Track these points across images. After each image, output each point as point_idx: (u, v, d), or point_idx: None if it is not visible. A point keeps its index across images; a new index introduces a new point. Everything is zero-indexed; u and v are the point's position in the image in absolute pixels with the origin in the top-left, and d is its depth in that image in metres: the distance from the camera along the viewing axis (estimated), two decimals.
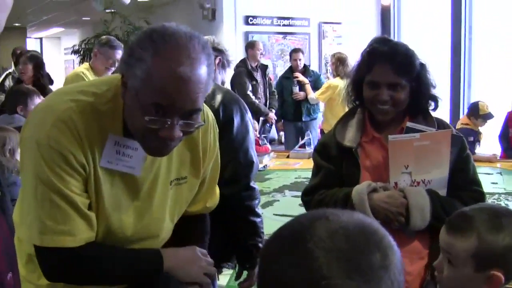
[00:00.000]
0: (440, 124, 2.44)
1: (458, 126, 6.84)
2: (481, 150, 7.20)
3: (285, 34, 11.50)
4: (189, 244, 2.03)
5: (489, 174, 5.99)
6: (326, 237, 0.92)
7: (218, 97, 2.54)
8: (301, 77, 8.48)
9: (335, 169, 2.45)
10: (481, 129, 6.95)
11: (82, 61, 10.63)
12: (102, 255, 1.78)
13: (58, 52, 21.15)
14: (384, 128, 2.43)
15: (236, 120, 2.55)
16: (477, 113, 6.87)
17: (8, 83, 8.33)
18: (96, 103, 1.69)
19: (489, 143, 7.41)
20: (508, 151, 6.91)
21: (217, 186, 2.16)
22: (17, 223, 1.78)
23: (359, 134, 2.43)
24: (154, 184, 1.84)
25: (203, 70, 1.58)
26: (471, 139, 6.50)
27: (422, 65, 2.41)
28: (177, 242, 2.02)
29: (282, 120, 8.95)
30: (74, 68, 16.28)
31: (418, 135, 2.32)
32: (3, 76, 8.89)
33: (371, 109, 2.41)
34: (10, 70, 8.95)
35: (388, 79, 2.32)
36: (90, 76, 5.56)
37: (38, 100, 4.73)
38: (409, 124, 2.36)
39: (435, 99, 2.46)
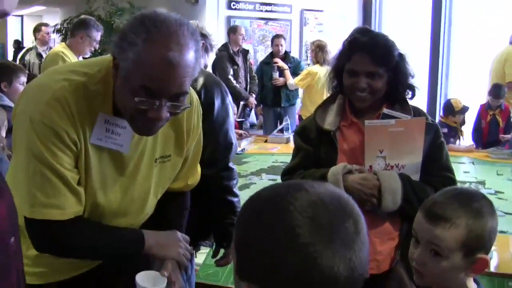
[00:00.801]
0: (416, 112, 2.53)
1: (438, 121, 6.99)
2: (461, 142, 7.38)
3: (267, 19, 11.53)
4: (168, 218, 2.14)
5: (462, 163, 6.14)
6: (308, 206, 1.00)
7: (200, 80, 2.61)
8: (281, 63, 8.55)
9: (314, 151, 2.53)
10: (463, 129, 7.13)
11: (64, 40, 10.58)
12: (87, 231, 1.87)
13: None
14: (363, 114, 2.51)
15: (217, 103, 2.63)
16: (452, 110, 7.02)
17: (28, 58, 8.36)
18: (87, 82, 1.76)
19: (466, 135, 7.55)
20: (479, 142, 7.08)
21: (198, 165, 2.25)
22: None
23: (339, 118, 2.52)
24: (139, 162, 1.93)
25: (191, 56, 1.66)
26: (445, 130, 6.63)
27: (401, 56, 2.49)
28: (157, 217, 2.13)
29: (261, 105, 9.04)
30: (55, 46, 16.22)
31: (393, 121, 2.40)
32: (23, 52, 8.89)
33: (349, 96, 2.50)
34: (31, 45, 8.97)
35: (366, 68, 2.40)
36: (70, 56, 5.67)
37: (23, 78, 4.74)
38: (385, 110, 2.45)
39: (412, 88, 2.54)
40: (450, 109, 7.06)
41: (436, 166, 2.51)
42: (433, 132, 2.49)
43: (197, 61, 1.71)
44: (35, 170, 1.72)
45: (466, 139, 7.31)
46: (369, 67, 2.41)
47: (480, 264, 1.67)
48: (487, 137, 7.13)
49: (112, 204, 1.92)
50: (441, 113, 7.44)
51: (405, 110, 2.50)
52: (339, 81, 2.54)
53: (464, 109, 7.03)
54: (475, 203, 1.69)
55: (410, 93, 2.55)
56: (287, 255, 0.98)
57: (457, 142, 7.11)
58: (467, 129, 7.36)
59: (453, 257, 1.66)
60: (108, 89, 1.77)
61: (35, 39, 8.75)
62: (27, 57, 8.50)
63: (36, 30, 8.80)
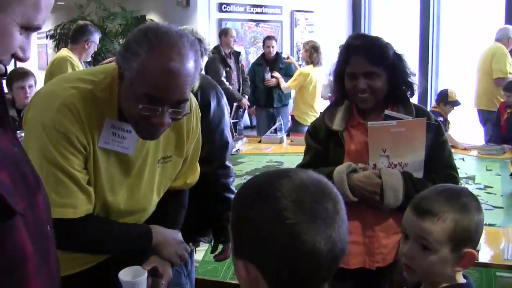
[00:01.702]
0: (419, 111, 2.61)
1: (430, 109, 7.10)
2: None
3: (258, 21, 11.62)
4: (167, 216, 2.27)
5: None
6: (292, 192, 1.15)
7: (197, 83, 2.71)
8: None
9: (323, 150, 2.65)
10: (450, 120, 7.21)
11: (57, 46, 10.63)
12: (98, 227, 1.99)
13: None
14: (368, 115, 2.61)
15: (213, 104, 2.73)
16: (446, 100, 7.09)
17: None
18: (94, 90, 1.88)
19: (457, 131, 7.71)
20: (498, 138, 7.16)
21: (197, 164, 2.36)
22: None
23: (346, 119, 2.63)
24: (144, 163, 2.06)
25: (191, 65, 1.78)
26: (441, 119, 6.67)
27: (398, 55, 2.58)
28: (156, 214, 2.24)
29: (254, 106, 9.11)
30: (47, 52, 16.22)
31: (395, 122, 2.50)
32: None
33: (353, 98, 2.61)
34: None
35: (364, 68, 2.51)
36: (76, 60, 5.90)
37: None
38: (387, 112, 2.55)
39: (410, 86, 2.62)
40: (444, 97, 7.12)
41: (437, 164, 2.57)
42: (434, 131, 2.56)
43: (197, 70, 1.83)
44: (48, 173, 1.82)
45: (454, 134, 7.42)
46: (366, 67, 2.51)
47: (468, 258, 1.72)
48: (504, 134, 7.22)
49: (119, 203, 2.05)
50: (435, 102, 7.54)
51: (408, 110, 2.58)
52: (342, 86, 2.63)
53: (457, 102, 7.10)
54: (462, 199, 1.74)
55: (409, 91, 2.63)
56: (276, 233, 1.13)
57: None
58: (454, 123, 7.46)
59: (441, 250, 1.71)
60: (114, 95, 1.89)
61: None
62: None
63: None
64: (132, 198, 2.08)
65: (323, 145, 2.65)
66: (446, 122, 7.04)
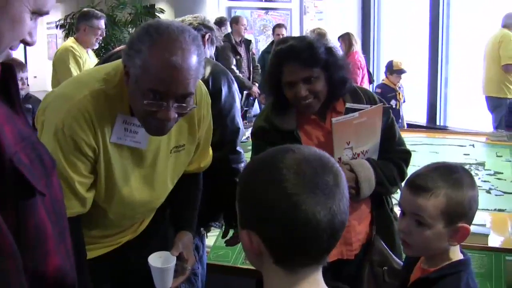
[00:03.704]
0: (365, 95, 2.61)
1: (380, 83, 8.02)
2: (407, 117, 8.23)
3: (267, 9, 11.60)
4: (184, 198, 2.34)
5: (462, 146, 6.25)
6: (294, 164, 1.21)
7: (208, 69, 2.74)
8: None
9: None
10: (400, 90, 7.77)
11: (67, 36, 10.66)
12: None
13: (41, 27, 20.98)
14: (319, 111, 2.54)
15: (224, 90, 2.75)
16: (392, 69, 7.70)
17: None
18: (106, 88, 1.94)
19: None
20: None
21: (210, 148, 2.40)
22: None
23: (294, 116, 2.55)
24: (157, 154, 2.11)
25: (193, 59, 1.82)
26: (392, 94, 7.57)
27: (328, 49, 2.49)
28: (174, 197, 2.31)
29: (264, 94, 9.11)
30: (57, 42, 16.24)
31: (357, 114, 2.48)
32: None
33: (297, 106, 2.50)
34: None
35: (300, 75, 2.41)
36: (79, 49, 5.81)
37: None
38: (348, 105, 2.52)
39: (348, 79, 2.55)
40: (390, 67, 7.75)
41: (392, 143, 2.64)
42: (387, 114, 2.61)
43: (200, 64, 1.87)
44: None
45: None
46: (302, 73, 2.41)
47: (461, 233, 1.76)
48: None
49: (135, 195, 2.10)
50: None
51: (358, 98, 2.57)
52: (279, 95, 2.52)
53: (402, 71, 7.69)
54: (454, 174, 1.78)
55: (348, 83, 2.56)
56: (276, 202, 1.18)
57: (398, 104, 7.64)
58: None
59: (435, 226, 1.76)
60: (124, 91, 1.94)
61: None
62: None
63: None
64: (146, 188, 2.14)
65: (276, 144, 2.51)
66: (396, 93, 7.64)
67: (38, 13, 1.18)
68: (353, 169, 2.48)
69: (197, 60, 1.84)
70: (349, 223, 2.56)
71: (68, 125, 1.87)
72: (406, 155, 2.67)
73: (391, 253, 2.40)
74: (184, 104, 1.87)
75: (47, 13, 1.20)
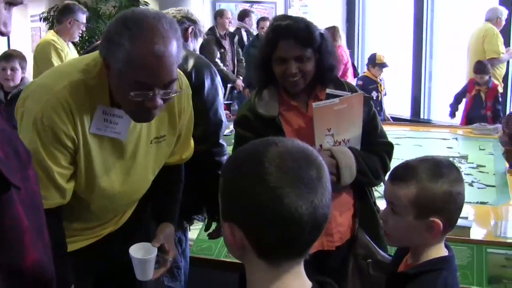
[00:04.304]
0: (347, 85, 2.65)
1: (361, 75, 8.19)
2: (389, 110, 8.35)
3: (252, 3, 11.58)
4: (166, 190, 2.34)
5: (446, 139, 6.27)
6: (276, 157, 1.20)
7: (191, 62, 2.74)
8: None
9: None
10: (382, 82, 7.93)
11: (51, 28, 10.58)
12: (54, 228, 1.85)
13: (25, 20, 20.75)
14: (298, 97, 2.59)
15: (207, 83, 2.75)
16: (374, 62, 7.88)
17: None
18: (86, 79, 1.94)
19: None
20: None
21: (192, 140, 2.40)
22: None
23: (276, 104, 2.58)
24: (137, 145, 2.10)
25: (174, 45, 1.84)
26: (374, 86, 7.75)
27: (322, 35, 2.54)
28: (156, 189, 2.31)
29: (249, 88, 9.12)
30: (41, 35, 16.12)
31: (337, 100, 2.49)
32: None
33: (282, 83, 2.55)
34: None
35: (294, 53, 2.46)
36: (60, 42, 5.80)
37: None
38: (328, 91, 2.54)
39: (335, 67, 2.61)
40: (373, 60, 7.93)
41: (374, 135, 2.65)
42: (369, 105, 2.63)
43: (179, 49, 1.88)
44: None
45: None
46: (297, 51, 2.46)
47: (434, 228, 1.75)
48: (469, 111, 7.34)
49: (115, 186, 2.10)
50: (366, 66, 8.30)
51: (341, 88, 2.59)
52: (267, 70, 2.56)
53: (384, 65, 7.88)
54: (437, 168, 1.78)
55: (334, 71, 2.61)
56: (258, 195, 1.18)
57: (379, 96, 7.81)
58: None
59: (406, 216, 1.78)
60: (104, 82, 1.94)
61: None
62: None
63: None
64: (127, 179, 2.13)
65: (258, 134, 2.46)
66: (378, 84, 7.83)
67: (12, 3, 1.19)
68: (333, 155, 2.49)
69: (176, 44, 1.85)
70: (330, 214, 2.55)
71: (47, 116, 1.87)
72: (388, 147, 2.67)
73: (375, 245, 2.41)
74: (168, 90, 1.88)
75: (21, 2, 1.20)
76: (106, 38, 1.87)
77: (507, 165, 4.86)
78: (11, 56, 5.13)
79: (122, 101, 1.91)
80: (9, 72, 5.01)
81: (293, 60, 2.46)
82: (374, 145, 2.64)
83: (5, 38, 13.74)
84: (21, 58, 5.16)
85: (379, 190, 2.90)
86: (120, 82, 1.85)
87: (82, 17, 5.97)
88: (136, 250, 2.10)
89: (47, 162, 1.89)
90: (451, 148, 5.89)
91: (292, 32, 2.46)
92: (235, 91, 8.96)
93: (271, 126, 2.52)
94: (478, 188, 4.50)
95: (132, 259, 2.07)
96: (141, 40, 1.79)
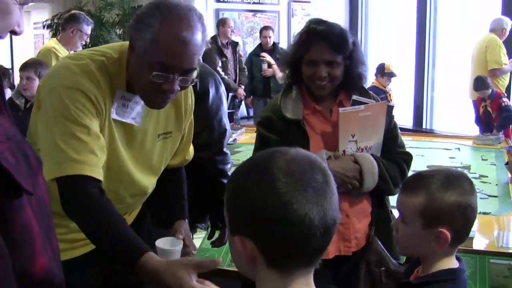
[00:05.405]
0: (371, 96, 2.69)
1: (369, 85, 7.92)
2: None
3: (255, 11, 11.59)
4: (172, 190, 2.38)
5: (448, 149, 6.26)
6: (283, 164, 1.22)
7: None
8: (268, 58, 8.68)
9: (281, 141, 2.53)
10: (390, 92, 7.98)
11: (54, 36, 10.61)
12: (102, 209, 1.90)
13: (28, 27, 20.80)
14: (323, 101, 2.63)
15: (212, 91, 2.76)
16: (383, 71, 7.90)
17: None
18: (107, 62, 2.00)
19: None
20: (486, 129, 7.39)
21: (191, 144, 2.45)
22: None
23: (301, 107, 2.61)
24: (145, 136, 2.15)
25: (199, 36, 1.91)
26: (383, 96, 7.50)
27: (355, 43, 2.59)
28: (161, 190, 2.35)
29: (251, 96, 9.14)
30: (44, 42, 16.15)
31: (363, 107, 2.55)
32: None
33: (309, 85, 2.59)
34: None
35: (325, 56, 2.51)
36: (61, 51, 5.78)
37: None
38: (354, 97, 2.59)
39: (363, 75, 2.65)
40: (381, 69, 7.95)
41: (394, 143, 2.70)
42: (391, 114, 2.67)
43: (203, 42, 1.95)
44: (65, 130, 1.88)
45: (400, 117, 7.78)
46: (328, 55, 2.51)
47: (441, 239, 1.75)
48: (485, 126, 7.42)
49: (131, 169, 2.16)
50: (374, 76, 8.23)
51: (366, 95, 2.65)
52: (295, 71, 2.62)
53: (393, 74, 7.95)
54: (452, 179, 1.77)
55: (361, 79, 2.66)
56: (268, 202, 1.19)
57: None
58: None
59: (413, 224, 1.79)
60: (123, 69, 2.00)
61: None
62: None
63: None
64: (138, 167, 2.18)
65: (281, 136, 2.56)
66: (387, 94, 7.87)
67: (24, 3, 1.24)
68: (357, 161, 2.53)
69: (201, 37, 1.94)
70: (349, 220, 2.60)
71: (79, 82, 1.92)
72: (407, 157, 2.72)
73: (388, 254, 2.41)
74: (187, 78, 1.95)
75: (32, 0, 1.23)
76: (136, 19, 1.95)
77: (509, 175, 4.85)
78: (27, 65, 5.15)
79: (140, 83, 1.96)
80: (24, 81, 5.05)
81: (324, 64, 2.51)
82: (394, 154, 2.68)
83: (8, 45, 13.81)
84: (37, 66, 5.13)
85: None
86: (142, 62, 1.91)
87: (87, 28, 5.95)
88: (163, 243, 2.10)
89: (84, 122, 1.90)
90: (454, 158, 5.88)
91: (326, 37, 2.51)
92: (237, 100, 8.97)
93: (295, 129, 2.57)
94: (481, 198, 4.47)
95: (159, 252, 2.05)
96: (170, 23, 1.88)
